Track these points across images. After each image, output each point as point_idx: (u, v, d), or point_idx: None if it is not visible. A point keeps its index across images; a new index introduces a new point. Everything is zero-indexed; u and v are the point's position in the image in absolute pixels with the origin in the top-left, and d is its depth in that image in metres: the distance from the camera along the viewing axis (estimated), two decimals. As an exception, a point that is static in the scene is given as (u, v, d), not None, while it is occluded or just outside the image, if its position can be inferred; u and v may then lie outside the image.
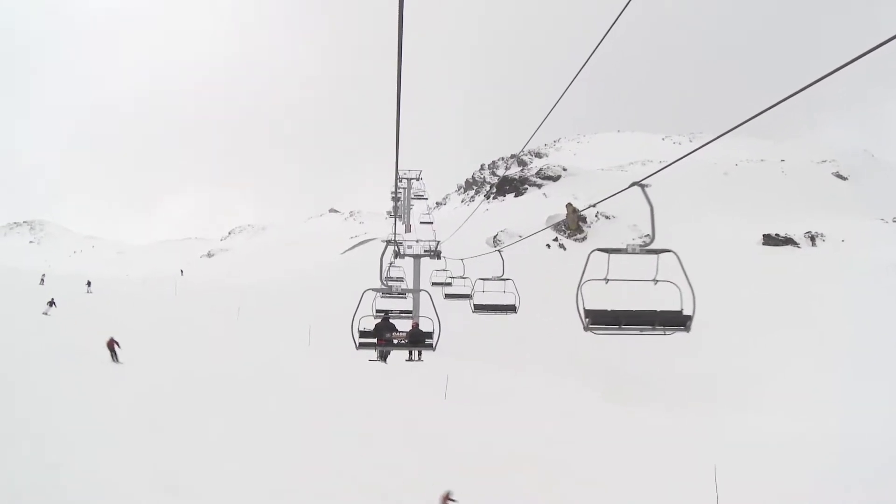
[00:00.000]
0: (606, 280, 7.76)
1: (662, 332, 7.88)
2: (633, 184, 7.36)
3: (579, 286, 7.50)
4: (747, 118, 5.80)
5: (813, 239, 59.02)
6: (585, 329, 7.59)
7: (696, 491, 19.57)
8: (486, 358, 37.62)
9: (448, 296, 23.29)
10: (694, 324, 7.78)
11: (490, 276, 15.53)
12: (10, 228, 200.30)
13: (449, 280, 24.18)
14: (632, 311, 7.82)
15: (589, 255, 7.45)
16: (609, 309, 7.76)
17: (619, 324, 7.68)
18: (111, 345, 24.26)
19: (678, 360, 41.98)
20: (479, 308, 16.49)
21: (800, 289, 47.90)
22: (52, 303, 34.75)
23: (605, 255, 7.42)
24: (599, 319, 7.64)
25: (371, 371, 28.92)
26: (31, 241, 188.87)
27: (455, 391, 26.71)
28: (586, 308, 7.55)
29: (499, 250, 15.70)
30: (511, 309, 16.11)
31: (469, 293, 19.69)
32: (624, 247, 7.42)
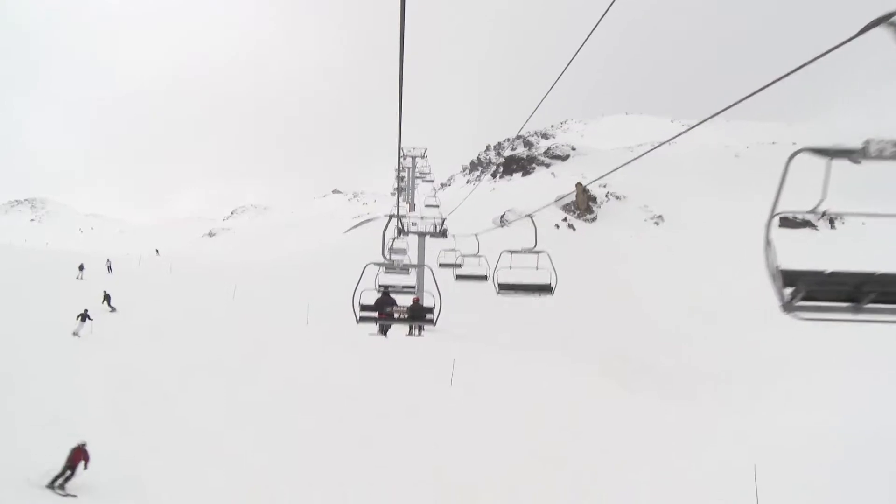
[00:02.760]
0: (820, 213, 4.17)
1: None
2: (873, 23, 3.79)
3: (769, 223, 3.90)
4: (748, 94, 5.23)
5: (832, 221, 56.96)
6: (787, 308, 4.03)
7: (715, 488, 18.15)
8: (494, 343, 35.86)
9: (460, 277, 21.13)
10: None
11: (520, 248, 12.56)
12: (12, 206, 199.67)
13: (459, 261, 22.02)
14: (888, 275, 3.93)
15: (790, 159, 3.97)
16: (830, 271, 3.94)
17: (860, 299, 3.93)
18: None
19: (694, 346, 40.33)
20: (505, 288, 13.16)
21: (821, 273, 45.94)
22: (109, 298, 32.47)
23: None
24: (818, 290, 3.95)
25: (372, 354, 27.23)
26: (32, 220, 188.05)
27: (462, 378, 24.97)
28: (784, 269, 4.01)
29: (530, 215, 13.11)
30: (546, 289, 12.91)
31: (485, 273, 17.64)
32: (859, 146, 3.53)
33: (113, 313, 31.77)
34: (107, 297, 32.86)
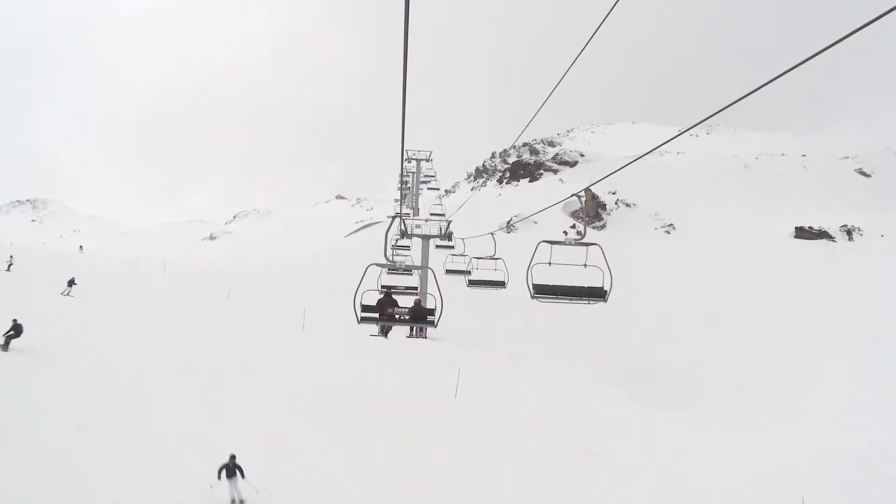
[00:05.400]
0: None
1: None
2: None
3: None
4: (744, 95, 5.48)
5: (849, 233, 55.13)
6: None
7: (717, 497, 17.43)
8: (501, 352, 34.27)
9: (473, 283, 18.94)
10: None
11: (563, 239, 9.39)
12: (13, 206, 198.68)
13: (469, 267, 20.01)
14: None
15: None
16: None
17: None
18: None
19: (703, 356, 38.76)
20: (542, 292, 9.84)
21: (840, 285, 44.32)
22: (18, 331, 20.16)
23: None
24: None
25: (370, 360, 25.62)
26: (33, 220, 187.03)
27: (467, 389, 23.32)
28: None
29: (577, 195, 10.89)
30: (598, 294, 9.86)
31: (503, 280, 16.05)
32: None
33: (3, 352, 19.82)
34: (15, 328, 20.30)
